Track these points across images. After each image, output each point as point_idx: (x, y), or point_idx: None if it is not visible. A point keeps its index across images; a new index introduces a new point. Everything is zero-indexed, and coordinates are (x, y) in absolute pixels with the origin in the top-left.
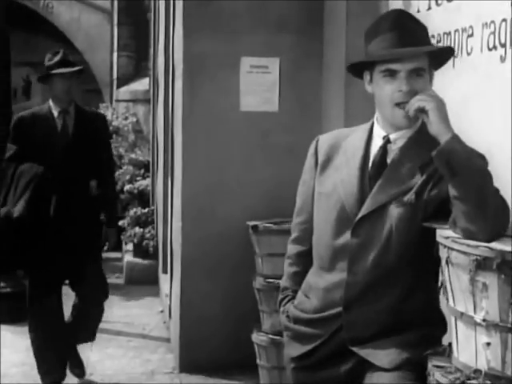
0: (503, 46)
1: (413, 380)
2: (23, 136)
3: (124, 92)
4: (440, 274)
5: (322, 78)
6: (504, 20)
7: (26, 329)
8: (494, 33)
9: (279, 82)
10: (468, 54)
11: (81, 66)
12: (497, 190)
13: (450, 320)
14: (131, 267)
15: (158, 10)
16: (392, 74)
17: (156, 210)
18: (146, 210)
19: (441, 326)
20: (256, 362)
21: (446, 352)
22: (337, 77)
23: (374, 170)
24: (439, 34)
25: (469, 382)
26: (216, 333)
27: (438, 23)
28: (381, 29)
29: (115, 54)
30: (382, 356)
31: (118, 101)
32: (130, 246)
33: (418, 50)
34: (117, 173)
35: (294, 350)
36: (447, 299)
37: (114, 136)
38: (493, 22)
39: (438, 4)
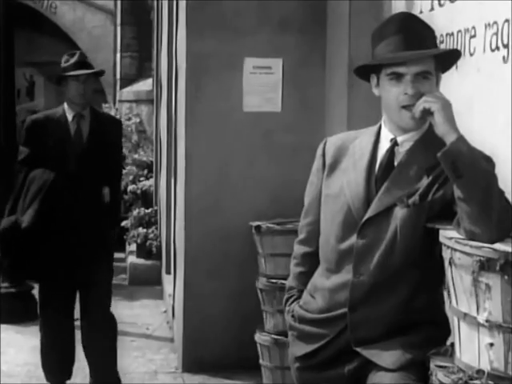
0: (506, 46)
1: (416, 381)
2: (35, 139)
3: (127, 92)
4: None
5: (325, 78)
6: (507, 21)
7: (30, 328)
8: (496, 33)
9: (282, 82)
10: (471, 54)
11: (97, 68)
12: (502, 193)
13: (453, 320)
14: (134, 267)
15: (162, 11)
16: (398, 77)
17: (159, 210)
18: (150, 211)
19: (445, 327)
20: (259, 361)
21: (449, 352)
22: (340, 77)
23: (380, 173)
24: (442, 35)
25: (471, 382)
26: (219, 333)
27: (440, 24)
28: (387, 32)
29: (118, 55)
30: (386, 356)
31: (121, 101)
32: (133, 247)
33: (423, 53)
34: None
35: (298, 349)
36: (450, 300)
37: None
38: (495, 22)
39: (440, 5)
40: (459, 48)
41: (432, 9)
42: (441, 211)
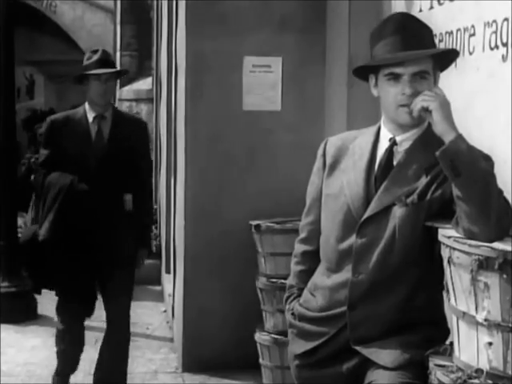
0: (505, 45)
1: (413, 379)
2: (54, 140)
3: (127, 91)
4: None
5: (324, 77)
6: (506, 19)
7: (30, 328)
8: (495, 32)
9: (282, 81)
10: (470, 53)
11: (121, 67)
12: (501, 192)
13: (452, 319)
14: None
15: (161, 9)
16: (396, 77)
17: (159, 209)
18: None
19: (444, 327)
20: (259, 361)
21: (448, 351)
22: (339, 76)
23: (380, 172)
24: (441, 34)
25: (470, 381)
26: (219, 332)
27: (440, 22)
28: (385, 32)
29: (118, 53)
30: (384, 355)
31: (121, 100)
32: None
33: (420, 53)
34: None
35: (298, 346)
36: (449, 299)
37: None
38: (494, 21)
39: (440, 3)
40: (458, 47)
41: (431, 7)
42: (440, 210)
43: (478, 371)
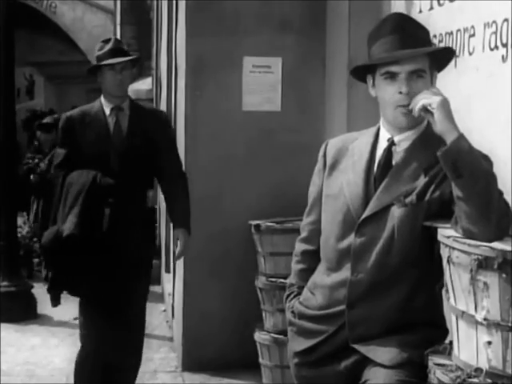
0: (505, 45)
1: (409, 377)
2: (72, 138)
3: None
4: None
5: (324, 77)
6: (506, 20)
7: (29, 327)
8: (495, 33)
9: (281, 81)
10: (470, 53)
11: (135, 55)
12: (501, 193)
13: (451, 318)
14: None
15: (161, 10)
16: (392, 76)
17: (159, 208)
18: None
19: (443, 328)
20: (258, 360)
21: (447, 350)
22: (339, 76)
23: (379, 172)
24: (441, 34)
25: (470, 380)
26: (219, 332)
27: (440, 23)
28: (382, 32)
29: None
30: (382, 353)
31: None
32: None
33: (416, 51)
34: None
35: (297, 344)
36: (448, 298)
37: None
38: (494, 21)
39: (440, 4)
40: (458, 47)
41: (431, 8)
42: (439, 210)
43: (478, 370)
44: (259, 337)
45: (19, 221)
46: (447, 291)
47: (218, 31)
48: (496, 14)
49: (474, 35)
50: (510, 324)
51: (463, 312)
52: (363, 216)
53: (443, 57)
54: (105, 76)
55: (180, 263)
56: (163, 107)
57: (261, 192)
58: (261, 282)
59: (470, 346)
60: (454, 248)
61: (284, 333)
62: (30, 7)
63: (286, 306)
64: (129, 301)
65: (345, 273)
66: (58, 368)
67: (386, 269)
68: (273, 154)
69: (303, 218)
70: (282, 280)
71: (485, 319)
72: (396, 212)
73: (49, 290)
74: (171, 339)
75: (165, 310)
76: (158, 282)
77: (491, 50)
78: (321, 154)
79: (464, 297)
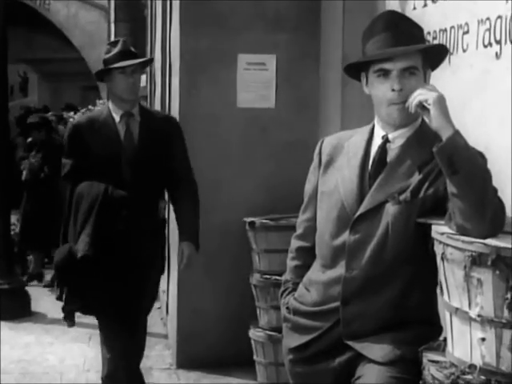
0: (498, 42)
1: (402, 374)
2: (80, 147)
3: None
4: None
5: (318, 74)
6: (499, 17)
7: (24, 325)
8: (489, 30)
9: (276, 78)
10: (464, 50)
11: (146, 57)
12: (495, 191)
13: (445, 315)
14: None
15: (155, 7)
16: (385, 73)
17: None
18: None
19: (437, 326)
20: (253, 358)
21: (441, 347)
22: (334, 74)
23: (373, 169)
24: (435, 31)
25: (463, 376)
26: (213, 329)
27: (433, 20)
28: (375, 30)
29: None
30: (376, 350)
31: None
32: None
33: (409, 48)
34: None
35: (292, 340)
36: (442, 294)
37: None
38: (488, 18)
39: (433, 1)
40: (452, 44)
41: (425, 5)
42: (433, 207)
43: (471, 367)
44: (254, 334)
45: (13, 218)
46: (441, 288)
47: (213, 29)
48: (490, 11)
49: (467, 32)
50: (503, 320)
51: (457, 309)
52: (358, 213)
53: (437, 55)
54: (115, 80)
55: (174, 260)
56: (157, 104)
57: (255, 189)
58: (255, 279)
59: (464, 342)
60: (447, 245)
61: (278, 330)
62: (23, 4)
63: (281, 302)
64: (140, 308)
65: (339, 270)
66: (52, 365)
67: (381, 266)
68: (267, 150)
69: (299, 215)
70: (277, 277)
71: (479, 316)
72: (390, 209)
73: (63, 310)
74: (166, 337)
75: (159, 308)
76: None
77: (485, 46)
78: (316, 151)
79: (458, 293)
